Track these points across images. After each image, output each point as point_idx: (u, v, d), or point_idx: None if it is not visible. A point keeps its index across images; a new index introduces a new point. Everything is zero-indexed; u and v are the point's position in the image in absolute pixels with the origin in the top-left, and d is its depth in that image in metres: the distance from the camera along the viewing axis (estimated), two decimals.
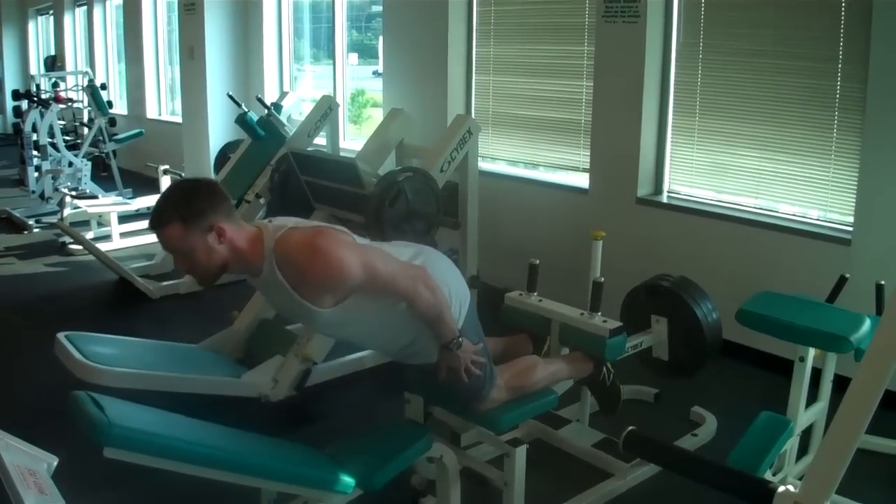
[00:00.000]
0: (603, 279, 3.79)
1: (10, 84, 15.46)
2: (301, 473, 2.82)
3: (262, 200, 6.58)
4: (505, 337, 3.94)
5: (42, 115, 9.79)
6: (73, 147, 10.44)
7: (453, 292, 3.11)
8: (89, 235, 7.75)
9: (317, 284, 2.74)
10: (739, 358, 4.89)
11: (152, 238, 6.92)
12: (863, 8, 4.46)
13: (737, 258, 5.07)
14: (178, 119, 10.77)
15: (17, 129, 11.02)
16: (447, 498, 3.25)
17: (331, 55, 8.79)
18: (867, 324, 3.28)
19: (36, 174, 9.60)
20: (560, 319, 3.79)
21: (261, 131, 6.97)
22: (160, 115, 12.02)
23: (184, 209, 2.68)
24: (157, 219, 2.70)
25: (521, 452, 3.28)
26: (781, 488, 2.27)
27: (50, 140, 9.73)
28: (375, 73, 8.34)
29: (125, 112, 12.47)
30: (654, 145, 5.60)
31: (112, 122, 10.55)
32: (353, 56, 8.98)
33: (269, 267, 2.76)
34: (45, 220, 8.87)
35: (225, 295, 6.23)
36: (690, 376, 4.21)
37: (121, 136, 10.44)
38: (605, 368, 3.77)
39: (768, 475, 3.17)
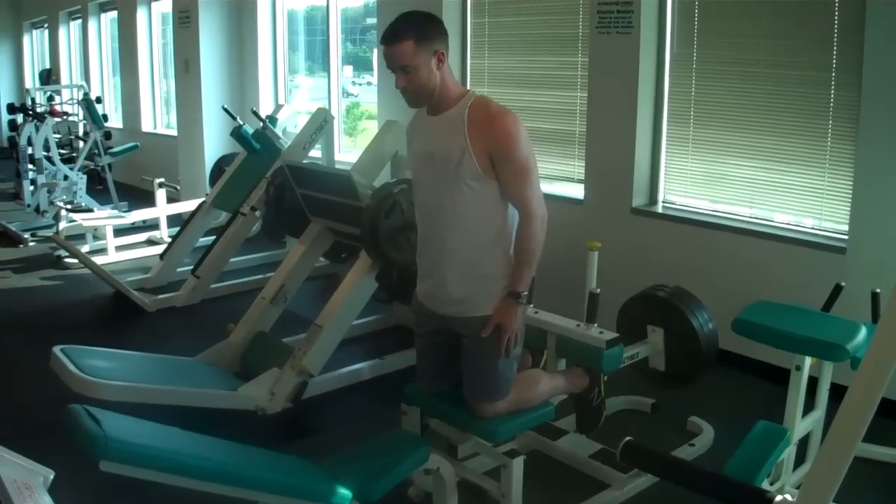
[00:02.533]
0: (599, 290, 3.80)
1: (6, 97, 15.46)
2: (298, 486, 2.82)
3: (257, 213, 6.59)
4: None
5: (37, 129, 9.78)
6: (68, 160, 10.44)
7: None
8: (85, 249, 7.74)
9: (491, 135, 3.04)
10: (736, 367, 4.89)
11: (148, 251, 6.89)
12: (856, 16, 4.47)
13: (732, 268, 5.08)
14: (174, 132, 10.78)
15: (13, 142, 11.02)
16: None
17: (325, 68, 8.80)
18: (863, 332, 3.28)
19: (31, 188, 9.59)
20: (556, 331, 3.80)
21: (256, 144, 6.98)
22: (155, 128, 12.03)
23: (419, 29, 3.04)
24: (395, 35, 3.03)
25: (518, 464, 3.28)
26: (779, 497, 2.28)
27: (45, 153, 9.72)
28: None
29: (120, 125, 12.47)
30: (648, 155, 5.61)
31: (107, 135, 10.54)
32: (348, 69, 8.99)
33: (459, 107, 3.11)
34: (41, 233, 8.85)
35: (221, 308, 6.26)
36: (687, 386, 4.21)
37: (116, 149, 10.43)
38: (597, 389, 3.77)
39: (766, 484, 3.17)
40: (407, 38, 3.01)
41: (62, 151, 10.77)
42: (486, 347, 3.20)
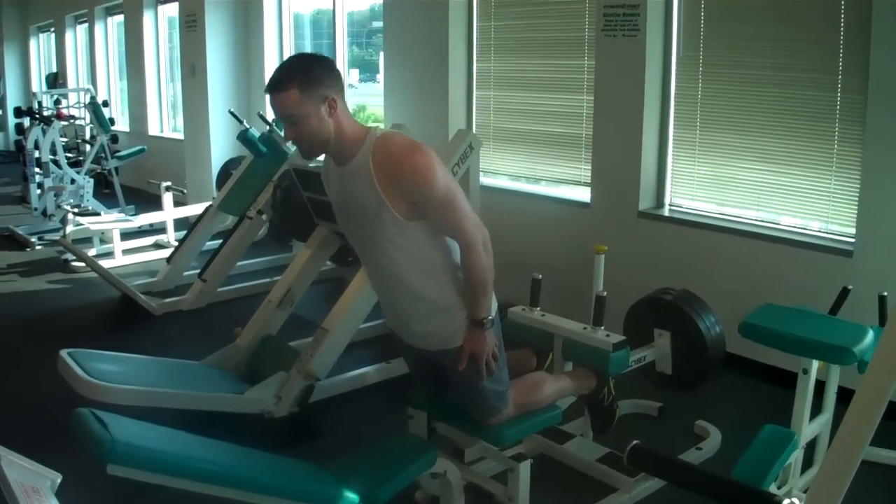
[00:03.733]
0: (606, 293, 3.79)
1: (13, 101, 15.53)
2: (304, 490, 2.82)
3: (264, 217, 6.59)
4: (508, 352, 3.93)
5: (44, 133, 9.81)
6: (75, 164, 10.46)
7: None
8: (92, 252, 7.74)
9: (402, 179, 2.82)
10: (743, 371, 4.88)
11: (155, 255, 6.89)
12: (862, 19, 4.47)
13: (739, 271, 5.07)
14: (180, 136, 10.80)
15: (20, 146, 11.05)
16: None
17: None
18: (870, 335, 3.28)
19: (38, 191, 9.61)
20: (563, 334, 3.79)
21: (263, 148, 6.98)
22: (162, 131, 12.05)
23: (303, 76, 2.79)
24: (277, 83, 2.80)
25: (525, 467, 3.28)
26: (786, 501, 2.28)
27: (52, 157, 9.74)
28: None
29: (127, 129, 12.51)
30: (655, 158, 5.61)
31: (114, 139, 10.58)
32: (355, 72, 9.00)
33: (363, 156, 2.87)
34: (48, 237, 8.88)
35: (228, 311, 6.27)
36: (694, 390, 4.20)
37: (123, 153, 10.47)
38: (606, 388, 3.77)
39: (773, 488, 3.16)
40: (291, 86, 2.78)
41: (69, 155, 10.79)
42: (468, 376, 3.15)
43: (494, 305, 3.17)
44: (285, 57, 9.24)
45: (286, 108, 2.81)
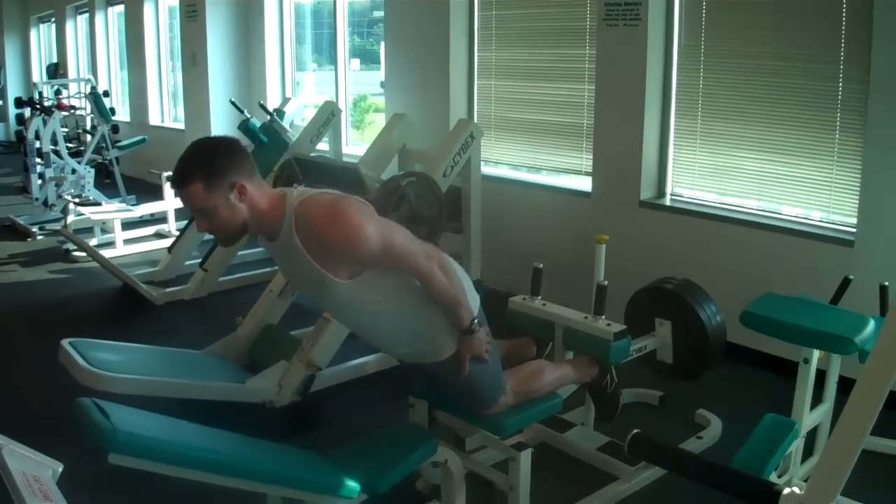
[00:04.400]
0: (607, 282, 3.79)
1: (13, 92, 15.50)
2: (306, 478, 2.82)
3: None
4: (508, 340, 3.94)
5: (45, 123, 9.80)
6: (76, 154, 10.46)
7: (467, 290, 3.06)
8: (93, 242, 7.75)
9: (333, 248, 2.70)
10: (744, 360, 4.88)
11: (156, 244, 6.88)
12: (864, 9, 4.46)
13: (740, 260, 5.07)
14: (181, 126, 10.80)
15: (21, 136, 11.04)
16: (452, 502, 3.24)
17: (333, 61, 8.80)
18: (871, 325, 3.28)
19: (39, 181, 9.61)
20: (564, 323, 3.79)
21: (264, 137, 6.98)
22: (163, 121, 12.05)
23: (206, 167, 2.65)
24: (180, 177, 2.67)
25: (525, 456, 3.28)
26: (787, 490, 2.28)
27: (53, 147, 9.74)
28: (383, 84, 8.28)
29: (128, 119, 12.51)
30: (656, 148, 5.60)
31: (115, 128, 10.56)
32: (355, 61, 8.99)
33: (286, 231, 2.73)
34: (49, 227, 8.89)
35: (229, 301, 6.27)
36: (695, 379, 4.20)
37: (124, 142, 10.45)
38: (609, 376, 3.77)
39: (774, 477, 3.17)
40: (194, 180, 2.63)
41: (70, 145, 10.80)
42: (463, 378, 3.13)
43: (476, 303, 3.13)
44: (286, 47, 9.29)
45: (193, 202, 2.68)
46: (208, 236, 7.02)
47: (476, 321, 3.05)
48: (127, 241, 8.06)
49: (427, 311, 2.99)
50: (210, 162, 2.66)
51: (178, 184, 2.67)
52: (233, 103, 7.37)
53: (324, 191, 2.83)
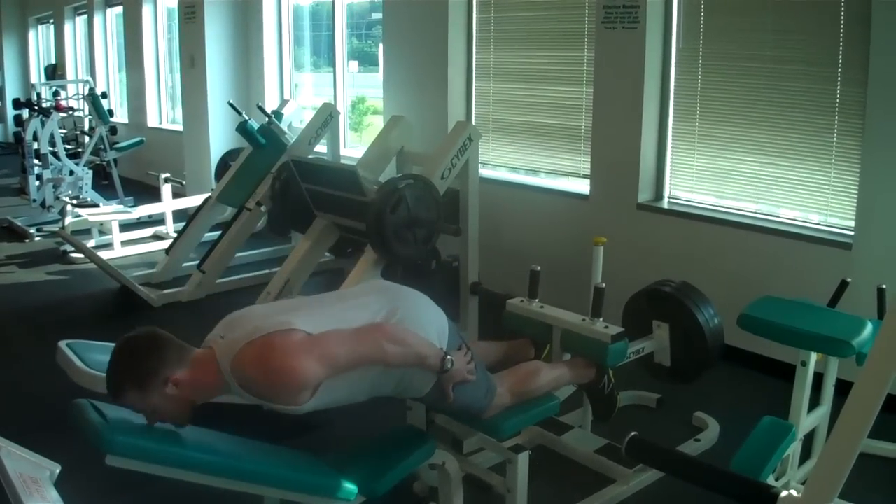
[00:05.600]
0: (604, 285, 3.79)
1: (11, 93, 15.49)
2: (303, 481, 2.82)
3: (262, 208, 6.59)
4: (506, 341, 3.94)
5: (43, 124, 9.81)
6: (74, 156, 10.47)
7: (432, 330, 3.05)
8: (90, 244, 7.76)
9: (286, 399, 2.67)
10: (741, 363, 4.88)
11: (154, 246, 6.89)
12: (862, 12, 4.47)
13: (738, 263, 5.08)
14: (179, 127, 10.78)
15: (18, 137, 11.05)
16: None
17: (331, 63, 8.80)
18: (869, 328, 3.28)
19: (37, 183, 9.61)
20: (562, 326, 3.79)
21: (262, 139, 6.98)
22: (161, 123, 12.03)
23: (134, 374, 2.60)
24: (114, 390, 2.62)
25: (523, 459, 3.28)
26: (784, 493, 2.27)
27: (51, 149, 9.74)
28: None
29: (126, 120, 12.49)
30: (654, 151, 5.61)
31: (113, 130, 10.56)
32: (354, 63, 8.99)
33: (236, 388, 2.70)
34: (47, 228, 8.88)
35: (227, 303, 6.25)
36: (692, 381, 4.20)
37: (122, 144, 10.46)
38: (606, 377, 3.78)
39: (771, 480, 3.17)
40: (127, 389, 2.59)
41: (68, 146, 10.79)
42: (450, 402, 3.14)
43: (444, 335, 3.11)
44: (285, 49, 9.30)
45: (134, 407, 2.63)
46: (206, 238, 7.06)
47: (448, 358, 3.00)
48: (125, 243, 8.06)
49: (394, 371, 2.95)
50: (137, 368, 2.61)
51: (114, 396, 2.62)
52: (231, 105, 7.37)
53: (249, 331, 2.73)
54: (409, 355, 2.88)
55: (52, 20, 15.73)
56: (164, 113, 12.07)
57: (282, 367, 2.60)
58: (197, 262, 6.69)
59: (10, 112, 12.18)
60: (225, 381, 2.68)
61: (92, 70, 13.68)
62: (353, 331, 2.81)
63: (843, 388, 2.66)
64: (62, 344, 4.15)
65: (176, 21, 10.54)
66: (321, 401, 2.76)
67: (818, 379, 3.48)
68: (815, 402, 3.52)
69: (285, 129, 7.20)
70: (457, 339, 3.17)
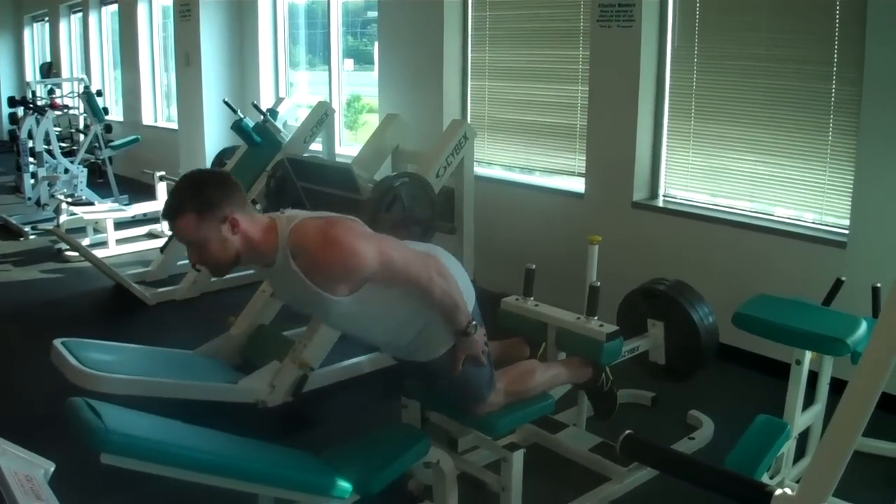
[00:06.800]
0: (599, 283, 3.80)
1: (6, 91, 15.46)
2: (298, 479, 2.82)
3: (258, 206, 6.58)
4: (501, 340, 3.94)
5: (38, 122, 9.79)
6: (69, 154, 10.44)
7: (462, 287, 3.08)
8: (85, 242, 7.74)
9: (332, 273, 2.72)
10: (736, 361, 4.89)
11: (148, 244, 6.86)
12: (857, 10, 4.47)
13: (733, 261, 5.08)
14: (174, 125, 10.78)
15: (13, 135, 11.02)
16: (444, 503, 3.24)
17: (326, 61, 8.80)
18: (863, 326, 3.28)
19: (32, 181, 9.59)
20: (556, 324, 3.80)
21: (257, 137, 6.97)
22: (156, 121, 12.02)
23: (198, 200, 2.66)
24: (171, 210, 2.69)
25: (518, 457, 3.28)
26: (779, 491, 2.27)
27: (46, 147, 9.73)
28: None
29: (121, 118, 12.48)
30: (649, 149, 5.61)
31: (108, 128, 10.55)
32: (349, 61, 8.98)
33: (282, 258, 2.74)
34: (41, 226, 8.86)
35: (221, 301, 6.26)
36: (687, 380, 4.21)
37: (117, 142, 10.45)
38: (604, 374, 3.78)
39: (765, 478, 3.17)
40: (186, 213, 2.65)
41: (63, 145, 10.77)
42: (456, 376, 3.16)
43: (472, 302, 3.16)
44: (280, 47, 9.29)
45: (185, 235, 2.70)
46: None
47: (473, 323, 3.06)
48: (119, 241, 8.05)
49: (424, 314, 3.01)
50: (202, 195, 2.68)
51: (170, 217, 2.69)
52: (226, 103, 7.36)
53: (314, 214, 2.85)
54: (448, 294, 2.94)
55: (47, 18, 15.70)
56: (159, 111, 12.07)
57: (342, 241, 2.71)
58: None
59: (6, 110, 12.21)
60: (276, 248, 2.74)
61: (87, 68, 13.67)
62: (410, 247, 2.95)
63: (837, 387, 2.66)
64: (57, 342, 4.14)
65: (171, 19, 10.53)
66: (356, 304, 2.82)
67: (813, 377, 3.49)
68: (809, 401, 3.52)
69: (280, 127, 7.19)
70: (478, 317, 3.19)
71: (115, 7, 12.77)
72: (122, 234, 8.20)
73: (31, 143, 9.71)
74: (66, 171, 9.70)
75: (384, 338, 3.15)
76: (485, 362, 3.19)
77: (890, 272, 4.11)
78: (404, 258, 2.85)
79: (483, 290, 5.26)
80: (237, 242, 2.72)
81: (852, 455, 2.01)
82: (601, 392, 3.83)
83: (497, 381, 3.32)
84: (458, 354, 3.10)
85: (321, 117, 6.94)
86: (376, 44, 7.92)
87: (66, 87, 12.51)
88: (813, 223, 4.93)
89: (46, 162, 9.66)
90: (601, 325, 3.67)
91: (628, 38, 5.44)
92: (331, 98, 8.59)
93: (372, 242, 2.78)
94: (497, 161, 6.83)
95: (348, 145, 8.51)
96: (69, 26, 14.88)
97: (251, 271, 6.73)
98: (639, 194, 5.62)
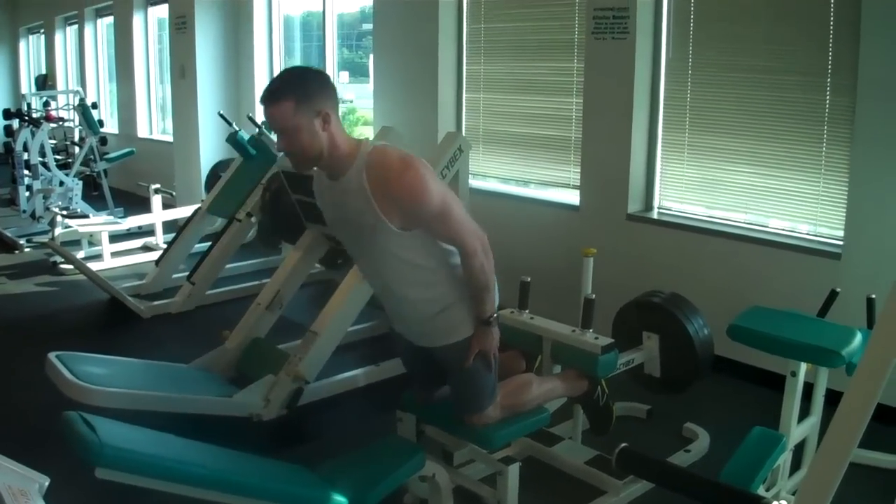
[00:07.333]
0: (594, 296, 3.80)
1: (2, 103, 15.42)
2: (293, 493, 2.82)
3: (253, 219, 6.58)
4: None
5: (33, 134, 9.78)
6: (64, 166, 10.44)
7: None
8: (80, 255, 7.73)
9: (397, 196, 2.85)
10: (731, 373, 4.89)
11: (144, 257, 6.87)
12: (851, 20, 4.48)
13: (727, 273, 5.08)
14: (170, 138, 10.77)
15: (8, 148, 11.04)
16: None
17: None
18: (858, 338, 3.29)
19: (27, 193, 9.59)
20: (552, 337, 3.80)
21: (252, 150, 6.97)
22: (151, 133, 12.01)
23: (299, 89, 2.83)
24: (272, 94, 2.84)
25: (514, 470, 3.28)
26: (774, 503, 2.28)
27: (41, 159, 9.72)
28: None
29: (116, 131, 12.47)
30: (644, 161, 5.62)
31: (103, 141, 10.56)
32: (344, 74, 9.00)
33: (356, 171, 2.90)
34: (36, 239, 8.84)
35: (216, 314, 6.25)
36: (682, 392, 4.21)
37: (112, 155, 10.44)
38: (599, 388, 3.78)
39: (761, 490, 3.17)
40: (286, 98, 2.82)
41: (58, 157, 10.78)
42: (467, 370, 3.19)
43: (497, 301, 3.22)
44: (275, 60, 9.29)
45: (280, 120, 2.84)
46: (196, 249, 7.04)
47: (495, 315, 3.16)
48: (114, 254, 8.03)
49: (455, 289, 3.11)
50: (304, 86, 2.85)
51: (270, 100, 2.84)
52: (221, 116, 7.36)
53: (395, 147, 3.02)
54: (485, 272, 3.05)
55: (42, 30, 15.71)
56: (154, 123, 12.05)
57: (418, 171, 2.87)
58: (187, 273, 6.68)
59: (1, 122, 12.17)
60: (353, 160, 2.91)
61: (82, 80, 13.66)
62: (467, 214, 3.05)
63: (832, 398, 2.66)
64: (51, 355, 4.13)
65: (167, 31, 10.54)
66: (401, 243, 2.95)
67: (808, 389, 3.49)
68: (804, 413, 3.52)
69: (276, 139, 7.18)
70: (496, 323, 3.26)
71: (110, 19, 12.77)
72: (117, 247, 8.18)
73: (26, 156, 9.71)
74: (62, 183, 9.69)
75: (411, 304, 3.16)
76: (493, 366, 3.22)
77: (885, 283, 4.08)
78: (461, 216, 2.99)
79: None
80: (324, 140, 2.88)
81: (848, 467, 2.01)
82: (597, 406, 3.83)
83: (497, 392, 3.33)
84: (472, 344, 3.16)
85: None
86: (371, 56, 7.94)
87: (62, 99, 12.52)
88: (807, 234, 4.93)
89: (42, 174, 9.65)
90: (596, 338, 3.68)
91: (623, 50, 5.45)
92: None
93: (441, 187, 2.95)
94: (492, 173, 6.84)
95: None
96: (65, 38, 14.88)
97: (245, 284, 6.76)
98: (633, 206, 5.63)
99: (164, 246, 7.68)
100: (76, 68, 14.40)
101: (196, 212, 7.22)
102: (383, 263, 3.06)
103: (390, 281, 3.12)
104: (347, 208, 2.98)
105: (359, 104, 9.18)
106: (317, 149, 2.88)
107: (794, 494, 3.47)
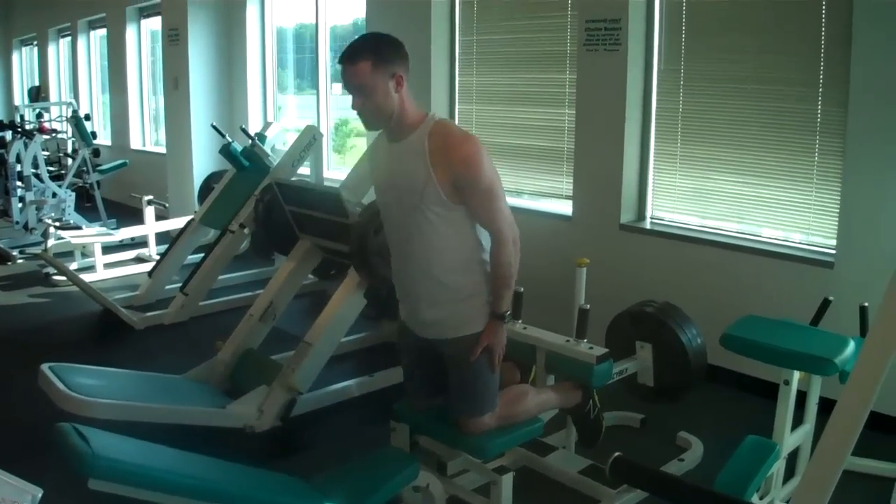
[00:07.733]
0: (588, 306, 3.80)
1: None
2: None
3: (246, 230, 6.58)
4: None
5: (26, 146, 9.77)
6: (57, 178, 10.42)
7: None
8: (73, 266, 7.72)
9: (454, 161, 3.01)
10: (724, 382, 4.89)
11: (136, 269, 6.87)
12: (843, 32, 4.50)
13: (720, 283, 5.09)
14: (163, 150, 10.77)
15: (1, 159, 11.00)
16: None
17: (314, 85, 8.82)
18: (851, 346, 3.30)
19: (20, 205, 9.56)
20: (546, 347, 3.80)
21: (245, 161, 6.97)
22: (144, 145, 12.00)
23: (377, 51, 3.05)
24: (352, 54, 3.04)
25: (507, 480, 3.28)
26: None
27: (34, 171, 9.70)
28: None
29: (109, 143, 12.46)
30: (636, 171, 5.63)
31: (96, 152, 10.54)
32: (337, 86, 9.00)
33: (419, 134, 3.08)
34: (29, 251, 8.83)
35: (209, 325, 6.24)
36: (676, 401, 4.21)
37: (105, 166, 10.43)
38: (591, 401, 3.78)
39: (755, 499, 3.18)
40: (365, 58, 3.02)
41: (51, 169, 10.75)
42: (471, 366, 3.21)
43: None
44: (268, 72, 9.31)
45: (357, 78, 3.02)
46: (189, 261, 7.03)
47: (510, 313, 3.26)
48: (107, 266, 8.02)
49: (476, 279, 3.19)
50: (381, 48, 3.08)
51: (349, 59, 3.04)
52: (214, 127, 7.36)
53: None
54: (511, 265, 3.18)
55: (35, 42, 15.70)
56: (147, 135, 12.05)
57: (476, 146, 3.07)
58: (180, 284, 6.67)
59: None
60: (418, 125, 3.11)
61: (75, 92, 13.66)
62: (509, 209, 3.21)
63: (826, 406, 2.67)
64: (44, 367, 4.12)
65: (159, 43, 10.55)
66: (441, 213, 3.08)
67: (801, 397, 3.50)
68: (798, 421, 3.53)
69: (268, 151, 7.19)
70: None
71: (103, 31, 12.77)
72: (109, 259, 8.17)
73: (19, 167, 9.68)
74: (54, 195, 9.67)
75: (432, 284, 3.20)
76: (496, 366, 3.26)
77: (877, 292, 4.10)
78: (504, 206, 3.16)
79: None
80: (396, 101, 3.07)
81: (842, 475, 2.01)
82: (587, 419, 3.83)
83: (497, 402, 3.33)
84: (482, 338, 3.21)
85: (309, 141, 6.94)
86: None
87: (55, 111, 12.52)
88: (800, 244, 4.94)
89: (34, 186, 9.63)
90: (591, 348, 3.68)
91: (615, 61, 5.47)
92: (319, 122, 8.60)
93: (494, 171, 3.11)
94: None
95: (336, 169, 8.51)
96: (58, 50, 14.88)
97: (239, 295, 6.76)
98: (626, 216, 5.64)
99: (157, 257, 7.67)
100: (69, 80, 14.40)
101: (189, 223, 7.22)
102: (417, 230, 3.14)
103: (417, 251, 3.20)
104: (402, 169, 3.12)
105: (351, 116, 9.16)
106: (388, 109, 3.07)
107: (787, 503, 3.48)
